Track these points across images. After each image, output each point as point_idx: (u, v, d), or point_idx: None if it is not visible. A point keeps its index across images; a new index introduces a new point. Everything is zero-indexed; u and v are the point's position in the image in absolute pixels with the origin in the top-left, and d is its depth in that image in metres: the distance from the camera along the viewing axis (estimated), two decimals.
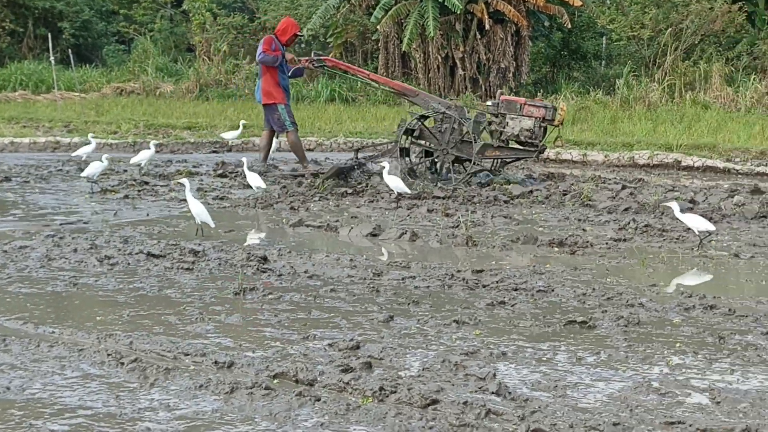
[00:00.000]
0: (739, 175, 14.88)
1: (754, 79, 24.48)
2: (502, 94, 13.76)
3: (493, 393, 4.92)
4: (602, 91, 24.81)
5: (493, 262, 8.12)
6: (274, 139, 14.40)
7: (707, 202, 11.40)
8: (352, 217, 10.35)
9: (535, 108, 12.79)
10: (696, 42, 26.11)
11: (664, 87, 24.47)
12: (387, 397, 4.85)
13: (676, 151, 16.17)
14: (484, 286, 7.21)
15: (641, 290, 7.19)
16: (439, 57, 25.60)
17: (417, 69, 25.99)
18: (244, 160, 12.21)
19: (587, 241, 8.91)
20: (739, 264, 8.26)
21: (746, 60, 25.95)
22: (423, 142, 13.18)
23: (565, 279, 7.50)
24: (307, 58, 14.21)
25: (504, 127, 12.78)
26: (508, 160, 13.37)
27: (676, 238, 9.23)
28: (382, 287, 7.14)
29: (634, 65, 26.11)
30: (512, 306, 6.66)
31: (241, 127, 17.21)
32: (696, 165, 15.36)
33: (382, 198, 11.52)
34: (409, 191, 11.33)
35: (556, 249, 8.69)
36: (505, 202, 11.36)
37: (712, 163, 15.38)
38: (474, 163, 12.74)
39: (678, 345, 5.81)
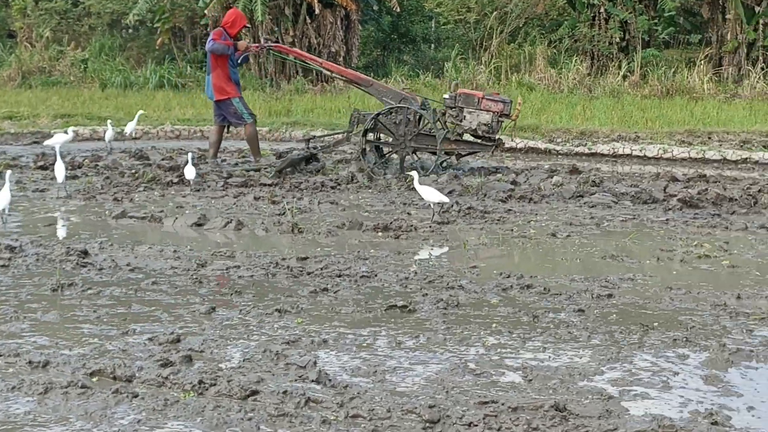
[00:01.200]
0: (560, 156, 15.38)
1: (575, 61, 25.30)
2: (458, 86, 13.80)
3: (313, 381, 4.95)
4: (432, 74, 25.19)
5: (319, 249, 8.16)
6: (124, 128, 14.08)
7: (528, 182, 11.74)
8: (177, 207, 10.21)
9: (493, 102, 12.67)
10: (520, 25, 26.81)
11: (491, 69, 25.03)
12: (207, 390, 4.83)
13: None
14: (308, 274, 7.24)
15: (462, 272, 7.35)
16: (269, 42, 25.44)
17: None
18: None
19: (412, 225, 9.05)
20: (556, 243, 8.55)
21: (568, 42, 26.77)
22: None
23: (389, 263, 7.60)
24: (257, 44, 13.87)
25: (461, 121, 12.67)
26: (463, 154, 13.30)
27: (497, 220, 9.47)
28: (206, 278, 7.09)
29: (462, 48, 26.60)
30: (335, 293, 6.71)
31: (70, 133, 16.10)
32: (519, 146, 15.79)
33: (209, 186, 11.39)
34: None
35: (381, 234, 8.79)
36: (332, 187, 11.41)
37: (534, 144, 15.85)
38: (438, 156, 12.60)
39: (494, 325, 5.98)
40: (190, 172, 11.17)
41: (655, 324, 6.01)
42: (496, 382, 5.01)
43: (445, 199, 9.63)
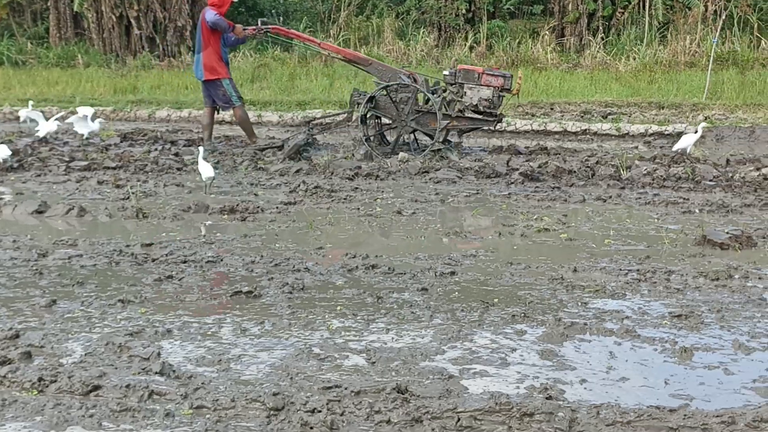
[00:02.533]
0: None
1: (423, 32, 25.56)
2: (457, 62, 13.61)
3: (157, 373, 4.91)
4: (281, 48, 25.03)
5: (164, 235, 8.07)
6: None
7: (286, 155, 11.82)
8: (17, 194, 9.93)
9: (494, 77, 12.55)
10: None
11: (340, 42, 25.04)
12: (47, 387, 4.74)
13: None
14: (153, 261, 7.16)
15: (308, 254, 7.40)
16: (114, 16, 24.84)
17: (90, 29, 25.13)
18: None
19: (258, 207, 9.04)
20: (401, 220, 8.68)
21: (415, 14, 27.01)
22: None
23: (235, 247, 7.59)
24: (254, 27, 13.38)
25: (461, 97, 12.54)
26: (464, 130, 13.07)
27: (344, 199, 9.55)
28: (46, 269, 6.93)
29: (310, 21, 26.52)
30: (180, 280, 6.66)
31: (30, 107, 14.78)
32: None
33: (50, 171, 11.11)
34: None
35: (227, 216, 8.75)
36: (178, 169, 11.28)
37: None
38: (438, 134, 12.41)
39: (339, 308, 6.04)
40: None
41: (496, 300, 6.17)
42: (340, 366, 5.08)
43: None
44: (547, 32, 26.58)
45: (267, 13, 29.03)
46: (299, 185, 9.95)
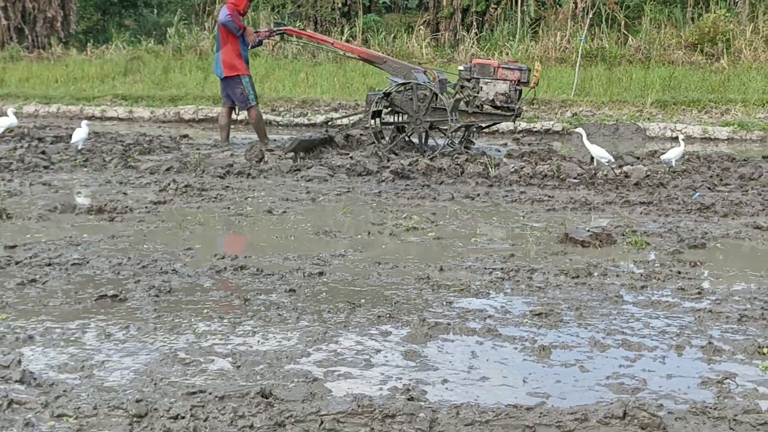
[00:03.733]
0: (280, 127, 15.54)
1: (299, 26, 25.52)
2: (473, 56, 13.34)
3: (17, 381, 4.83)
4: (154, 40, 24.72)
5: (28, 236, 7.91)
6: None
7: (247, 156, 11.82)
8: None
9: (510, 71, 12.41)
10: None
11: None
12: None
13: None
14: (16, 264, 7.01)
15: (176, 255, 7.35)
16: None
17: None
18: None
19: (127, 206, 8.94)
20: (272, 220, 8.69)
21: (291, 8, 27.02)
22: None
23: (102, 249, 7.49)
24: (266, 29, 13.13)
25: (478, 92, 12.38)
26: (482, 126, 12.94)
27: (215, 198, 9.51)
28: None
29: (185, 13, 26.25)
30: (44, 284, 6.55)
31: (11, 115, 13.60)
32: (240, 118, 15.79)
33: None
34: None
35: (94, 216, 8.63)
36: (45, 167, 11.05)
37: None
38: (450, 130, 12.31)
39: (206, 311, 6.03)
40: None
41: (363, 301, 6.25)
42: (206, 371, 5.08)
43: None
44: (422, 27, 26.87)
45: (140, 5, 28.64)
46: (169, 184, 9.87)
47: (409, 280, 6.75)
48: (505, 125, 15.41)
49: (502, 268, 7.03)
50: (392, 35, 25.75)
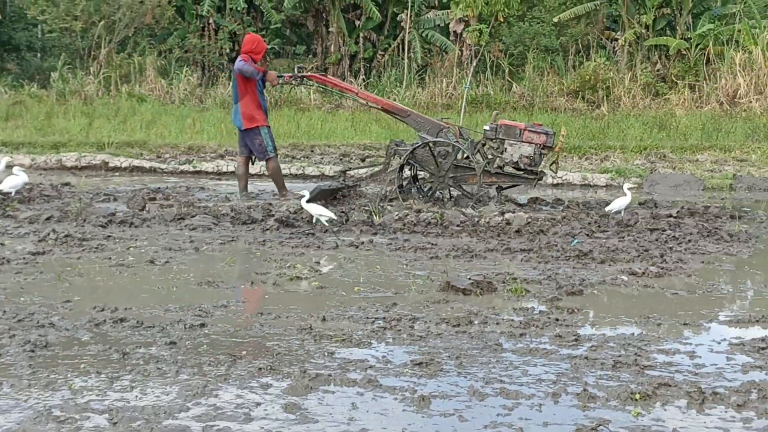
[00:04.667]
0: (165, 174, 15.40)
1: (186, 71, 25.44)
2: (498, 116, 13.04)
3: None
4: (38, 85, 24.32)
5: None
6: None
7: (129, 205, 11.65)
8: None
9: (536, 134, 12.19)
10: (129, 34, 26.53)
11: (101, 80, 24.59)
12: None
13: (108, 149, 16.33)
14: None
15: (54, 308, 7.20)
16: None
17: None
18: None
19: (4, 257, 8.73)
20: (153, 270, 8.59)
21: (178, 53, 26.88)
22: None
23: None
24: (290, 74, 12.84)
25: (502, 153, 12.25)
26: (503, 187, 12.70)
27: (96, 247, 9.36)
28: None
29: (69, 57, 25.91)
30: None
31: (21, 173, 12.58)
32: (123, 165, 15.63)
33: None
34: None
35: None
36: None
37: (139, 163, 15.75)
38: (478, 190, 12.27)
39: (83, 366, 5.91)
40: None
41: (244, 353, 6.22)
42: (80, 428, 4.97)
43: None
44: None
45: (23, 48, 28.15)
46: (49, 234, 9.68)
47: (292, 331, 6.74)
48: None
49: (384, 317, 7.08)
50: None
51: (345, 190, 12.87)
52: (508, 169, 12.43)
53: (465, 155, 12.36)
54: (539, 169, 12.43)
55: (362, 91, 13.88)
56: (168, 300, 7.57)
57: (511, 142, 12.26)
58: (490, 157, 12.43)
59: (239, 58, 12.61)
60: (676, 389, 5.57)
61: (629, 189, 12.01)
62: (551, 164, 12.94)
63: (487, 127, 12.57)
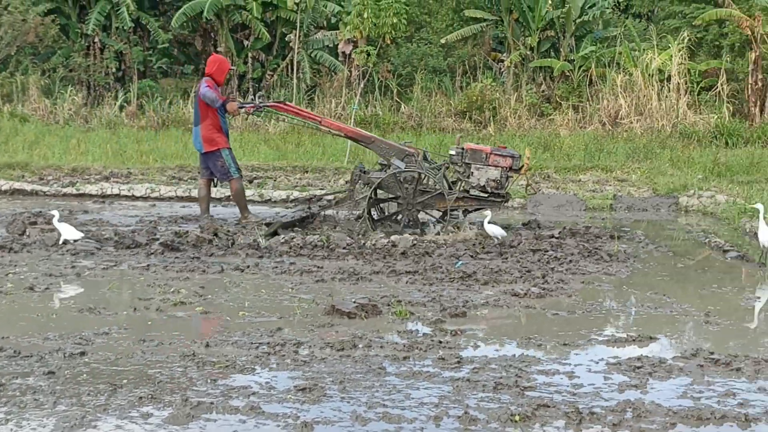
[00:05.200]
0: (47, 197, 15.08)
1: (71, 91, 24.98)
2: (461, 139, 12.75)
3: None
4: None
5: None
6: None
7: (9, 230, 11.39)
8: None
9: (502, 158, 12.02)
10: (12, 53, 25.95)
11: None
12: None
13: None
14: None
15: None
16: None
17: None
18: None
19: None
20: (33, 297, 8.40)
21: (63, 72, 26.38)
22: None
23: None
24: (252, 104, 12.43)
25: (468, 177, 12.11)
26: (470, 210, 12.45)
27: None
28: None
29: None
30: None
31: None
32: (4, 188, 15.25)
33: None
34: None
35: None
36: None
37: (20, 186, 15.37)
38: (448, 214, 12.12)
39: None
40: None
41: (125, 381, 6.12)
42: None
43: None
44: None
45: None
46: None
47: (174, 358, 6.67)
48: (278, 194, 15.52)
49: (268, 342, 7.06)
50: (168, 101, 25.56)
51: (309, 218, 12.74)
52: (474, 192, 12.42)
53: (432, 180, 12.29)
54: (505, 191, 12.45)
55: (326, 119, 13.59)
56: (47, 328, 7.41)
57: (478, 165, 12.25)
58: (454, 180, 12.46)
59: (203, 82, 12.43)
60: (555, 410, 5.68)
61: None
62: (527, 187, 13.18)
63: (452, 152, 12.54)
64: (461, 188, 12.32)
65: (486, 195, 12.37)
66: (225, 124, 12.66)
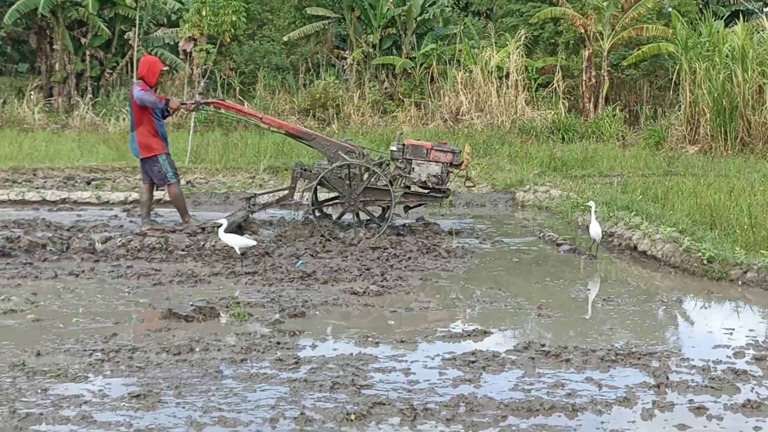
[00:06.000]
0: None
1: None
2: (402, 136, 12.37)
3: None
4: None
5: None
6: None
7: None
8: None
9: (443, 153, 11.80)
10: None
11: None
12: None
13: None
14: None
15: None
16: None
17: None
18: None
19: None
20: None
21: None
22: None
23: None
24: (192, 101, 12.11)
25: (409, 173, 12.00)
26: (411, 206, 12.18)
27: None
28: None
29: None
30: None
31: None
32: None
33: None
34: None
35: None
36: None
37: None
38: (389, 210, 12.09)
39: None
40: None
41: None
42: None
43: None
44: (33, 92, 26.07)
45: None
46: None
47: (3, 368, 6.47)
48: (116, 195, 15.19)
49: (102, 349, 6.92)
50: (2, 100, 24.73)
51: (250, 217, 12.50)
52: (416, 188, 12.43)
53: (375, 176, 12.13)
54: (445, 187, 12.43)
55: (266, 116, 13.23)
56: None
57: (419, 161, 12.25)
58: (394, 177, 12.32)
59: (136, 86, 12.02)
60: (390, 407, 5.76)
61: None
62: (465, 180, 13.11)
63: (393, 148, 12.47)
64: (402, 184, 12.33)
65: (426, 191, 12.45)
66: (162, 128, 12.31)
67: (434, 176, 12.22)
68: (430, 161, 12.24)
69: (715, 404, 5.95)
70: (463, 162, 12.39)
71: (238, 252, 10.17)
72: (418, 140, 13.18)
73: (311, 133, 13.04)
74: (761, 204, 12.55)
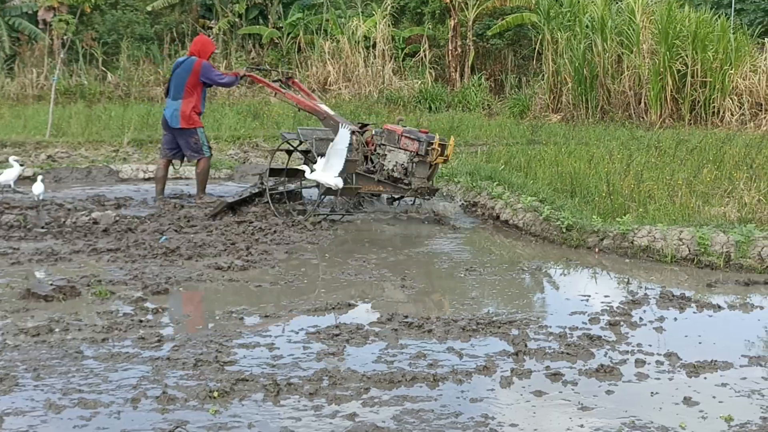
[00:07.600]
0: None
1: None
2: (401, 122, 11.83)
3: None
4: None
5: None
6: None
7: None
8: None
9: (410, 141, 10.94)
10: None
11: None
12: None
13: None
14: None
15: None
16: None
17: None
18: None
19: None
20: None
21: None
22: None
23: None
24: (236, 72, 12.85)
25: (383, 159, 11.33)
26: (395, 198, 11.62)
27: None
28: None
29: None
30: None
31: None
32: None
33: None
34: None
35: None
36: None
37: None
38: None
39: None
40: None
41: None
42: None
43: None
44: None
45: None
46: None
47: None
48: None
49: None
50: None
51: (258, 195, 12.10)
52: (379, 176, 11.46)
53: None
54: (408, 180, 11.30)
55: (288, 92, 12.53)
56: None
57: (390, 148, 11.36)
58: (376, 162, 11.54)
59: (208, 66, 12.28)
60: (254, 383, 5.77)
61: (16, 161, 12.61)
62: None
63: (375, 132, 11.83)
64: (364, 170, 11.50)
65: (395, 182, 11.46)
66: (203, 106, 12.59)
67: (400, 165, 11.28)
68: (399, 149, 11.31)
69: (571, 370, 6.16)
70: (438, 155, 11.30)
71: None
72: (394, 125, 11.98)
73: (324, 113, 12.04)
74: (618, 171, 12.94)
